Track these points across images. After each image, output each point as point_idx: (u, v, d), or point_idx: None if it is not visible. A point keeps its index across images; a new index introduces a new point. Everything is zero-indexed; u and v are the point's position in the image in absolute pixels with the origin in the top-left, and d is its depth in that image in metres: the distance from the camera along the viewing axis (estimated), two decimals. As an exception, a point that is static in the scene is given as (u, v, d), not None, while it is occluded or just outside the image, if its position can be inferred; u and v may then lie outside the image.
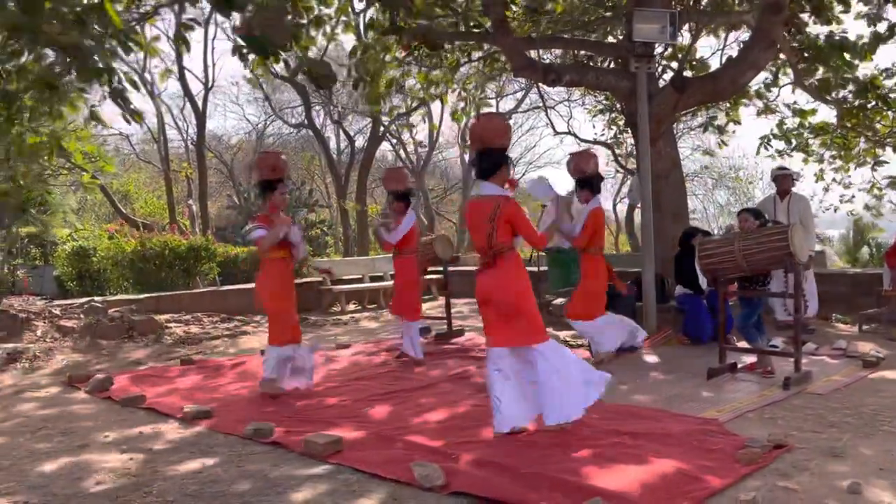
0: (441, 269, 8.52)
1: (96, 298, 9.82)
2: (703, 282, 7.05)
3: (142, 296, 10.24)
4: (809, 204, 8.07)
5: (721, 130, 11.18)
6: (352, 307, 12.10)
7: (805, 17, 8.68)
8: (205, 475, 3.73)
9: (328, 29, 9.62)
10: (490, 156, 4.32)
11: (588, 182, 6.06)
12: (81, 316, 8.68)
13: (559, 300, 9.35)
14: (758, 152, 11.31)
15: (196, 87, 24.20)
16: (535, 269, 8.25)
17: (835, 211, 13.42)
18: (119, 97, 5.37)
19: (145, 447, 4.28)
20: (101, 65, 5.17)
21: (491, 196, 4.29)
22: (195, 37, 28.41)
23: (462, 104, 11.60)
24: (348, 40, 12.07)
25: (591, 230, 6.02)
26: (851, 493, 3.18)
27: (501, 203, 4.24)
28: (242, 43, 5.60)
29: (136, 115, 5.59)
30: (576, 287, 6.39)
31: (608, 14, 9.47)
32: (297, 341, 5.60)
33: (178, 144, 29.78)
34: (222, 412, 5.01)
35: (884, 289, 7.84)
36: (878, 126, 10.14)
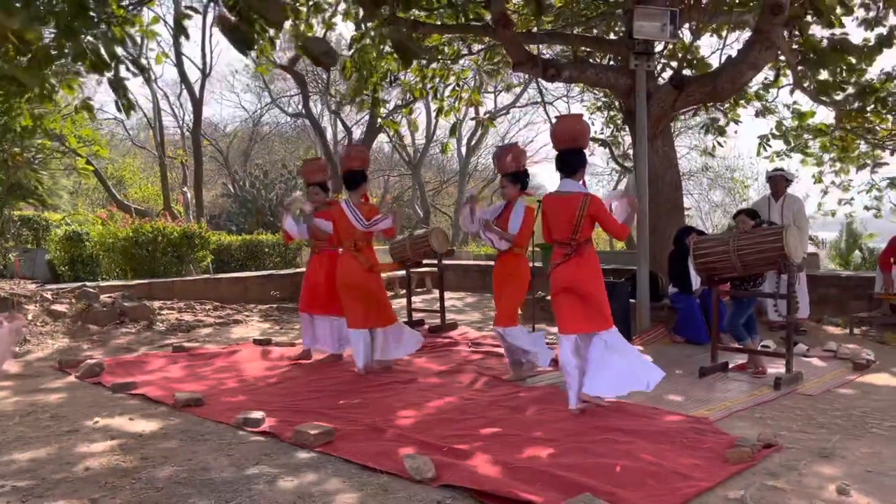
0: (436, 262, 8.51)
1: (88, 283, 9.77)
2: (694, 281, 7.08)
3: (134, 282, 10.21)
4: (803, 205, 8.10)
5: (721, 131, 11.19)
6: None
7: (807, 18, 8.67)
8: (194, 463, 3.72)
9: (326, 16, 9.57)
10: (577, 155, 4.76)
11: (520, 177, 5.57)
12: (73, 301, 8.64)
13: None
14: (758, 153, 11.31)
15: (193, 74, 24.12)
16: (531, 264, 8.23)
17: (832, 215, 13.37)
18: (119, 87, 5.37)
19: (135, 433, 4.27)
20: (105, 56, 5.16)
21: (575, 192, 4.68)
22: (193, 22, 28.23)
23: (453, 100, 11.48)
24: (346, 31, 11.97)
25: (529, 229, 5.63)
26: (839, 493, 3.19)
27: (588, 199, 4.61)
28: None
29: (128, 107, 5.60)
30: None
31: (609, 10, 9.44)
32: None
33: (174, 131, 29.68)
34: (213, 400, 5.00)
35: (875, 292, 7.87)
36: (877, 129, 10.15)
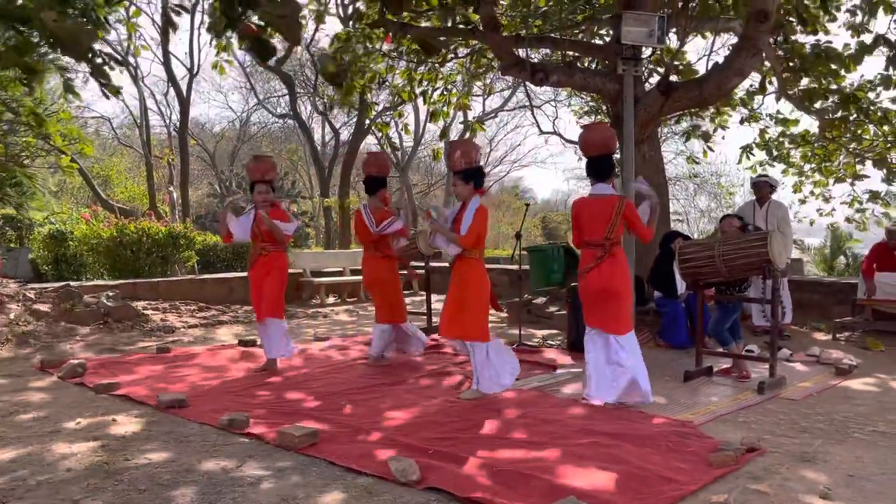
0: (423, 264, 8.49)
1: (72, 283, 9.69)
2: (680, 286, 7.11)
3: (118, 282, 10.12)
4: (788, 211, 8.18)
5: (706, 138, 11.23)
6: (331, 300, 12.06)
7: (792, 25, 8.74)
8: (177, 464, 3.69)
9: (303, 21, 9.55)
10: (608, 160, 5.04)
11: (474, 174, 5.15)
12: (56, 300, 8.56)
13: (540, 299, 9.39)
14: (739, 161, 11.38)
15: (180, 73, 23.98)
16: (516, 267, 8.26)
17: (811, 224, 13.44)
18: (99, 74, 5.31)
19: (118, 434, 4.23)
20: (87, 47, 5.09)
21: (611, 195, 4.95)
22: (182, 23, 28.07)
23: (442, 104, 11.46)
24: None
25: (479, 230, 5.08)
26: (822, 498, 3.22)
27: (624, 201, 4.89)
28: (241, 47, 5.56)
29: (113, 90, 5.55)
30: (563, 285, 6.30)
31: (596, 15, 9.47)
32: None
33: (160, 130, 29.49)
34: (197, 401, 4.97)
35: (859, 298, 7.95)
36: (860, 138, 10.21)
